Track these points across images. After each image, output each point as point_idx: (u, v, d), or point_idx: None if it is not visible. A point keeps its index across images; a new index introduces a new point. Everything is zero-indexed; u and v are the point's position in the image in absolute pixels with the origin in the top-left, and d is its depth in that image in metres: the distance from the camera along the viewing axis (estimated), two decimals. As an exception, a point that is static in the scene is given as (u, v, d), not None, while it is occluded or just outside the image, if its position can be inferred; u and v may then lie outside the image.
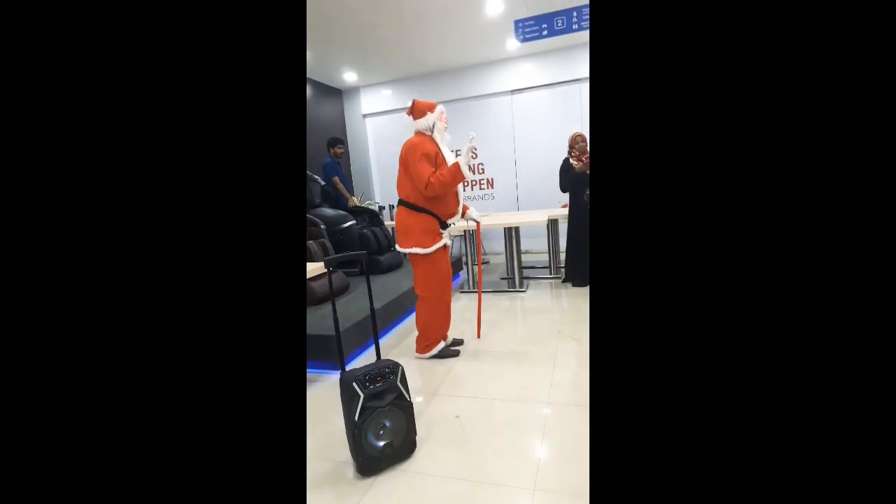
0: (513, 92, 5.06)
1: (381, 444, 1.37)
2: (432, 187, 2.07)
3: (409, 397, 1.45)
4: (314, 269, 2.22)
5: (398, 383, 1.42)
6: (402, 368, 1.46)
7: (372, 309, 1.57)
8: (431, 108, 2.16)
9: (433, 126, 2.16)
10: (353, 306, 2.58)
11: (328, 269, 1.49)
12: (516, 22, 3.54)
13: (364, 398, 1.34)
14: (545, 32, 3.53)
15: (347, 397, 1.36)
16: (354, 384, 1.34)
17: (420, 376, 2.13)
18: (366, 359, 2.40)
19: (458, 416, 1.71)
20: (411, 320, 3.03)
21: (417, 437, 1.50)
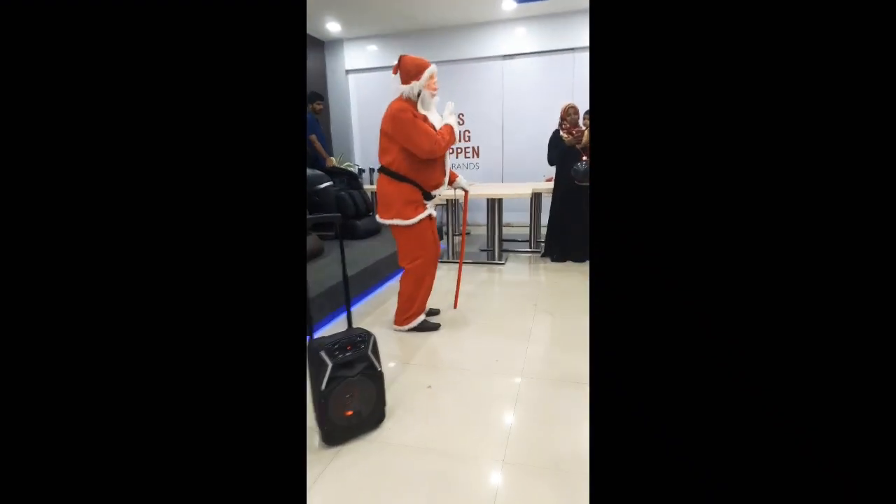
0: (504, 57, 4.86)
1: (349, 413, 1.33)
2: (438, 145, 1.95)
3: (380, 367, 1.40)
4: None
5: (369, 353, 1.36)
6: (374, 338, 1.40)
7: (345, 275, 1.49)
8: (420, 70, 1.94)
9: (418, 95, 1.97)
10: (325, 272, 2.48)
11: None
12: (513, -21, 3.34)
13: (332, 367, 1.28)
14: (543, -7, 3.35)
15: (315, 366, 1.30)
16: (322, 353, 1.28)
17: (395, 346, 2.09)
18: (337, 327, 2.34)
19: (430, 387, 1.68)
20: (388, 288, 2.97)
21: (387, 407, 1.47)
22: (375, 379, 1.38)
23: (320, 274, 2.43)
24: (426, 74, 1.95)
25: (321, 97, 4.14)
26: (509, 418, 1.47)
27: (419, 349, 2.03)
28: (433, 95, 2.01)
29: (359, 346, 1.34)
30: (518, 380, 1.72)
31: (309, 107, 4.06)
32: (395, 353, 2.00)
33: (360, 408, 1.35)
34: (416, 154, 1.97)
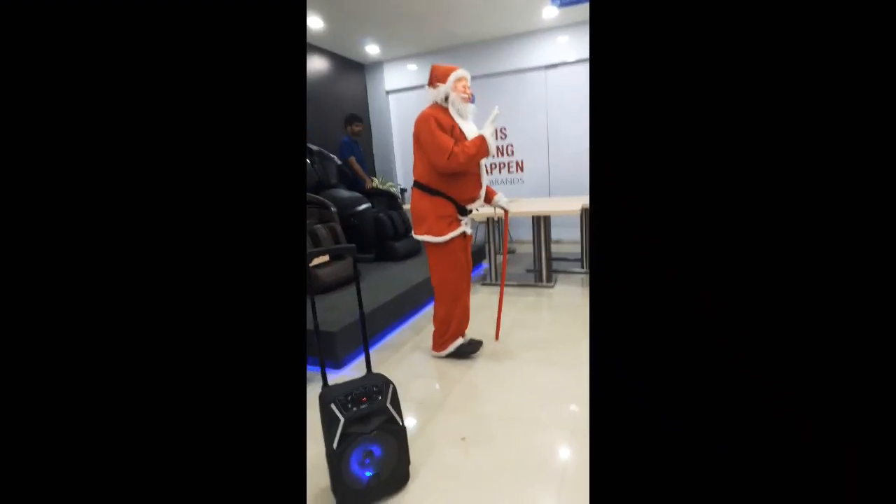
0: (547, 67, 4.63)
1: (366, 475, 1.14)
2: (455, 158, 1.76)
3: (402, 420, 1.21)
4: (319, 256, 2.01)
5: (388, 405, 1.17)
6: (394, 386, 1.21)
7: (361, 314, 1.32)
8: (447, 73, 1.83)
9: (446, 98, 1.84)
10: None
11: (309, 259, 1.25)
12: (554, -17, 3.15)
13: (345, 423, 1.10)
14: (587, -6, 3.12)
15: (327, 420, 1.13)
16: (333, 406, 1.11)
17: (430, 380, 1.89)
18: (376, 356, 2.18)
19: (464, 439, 1.46)
20: (427, 313, 2.80)
21: (411, 466, 1.26)
22: (396, 434, 1.19)
23: (355, 300, 2.31)
24: (452, 76, 1.83)
25: (360, 119, 4.13)
26: (557, 488, 1.22)
27: (455, 385, 1.82)
28: (465, 100, 1.86)
29: (375, 398, 1.16)
30: (569, 434, 1.45)
31: (347, 128, 4.06)
32: (428, 391, 1.80)
33: (378, 468, 1.16)
34: (435, 169, 1.82)
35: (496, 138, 2.10)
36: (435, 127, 1.79)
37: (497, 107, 1.89)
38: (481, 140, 1.81)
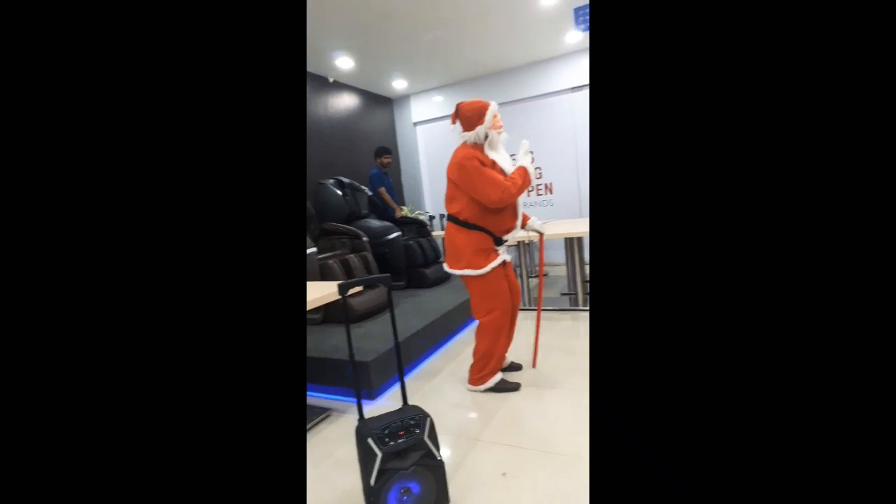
0: (573, 89, 4.65)
1: (405, 513, 1.10)
2: (508, 191, 1.78)
3: (439, 454, 1.17)
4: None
5: (425, 438, 1.14)
6: (431, 419, 1.18)
7: (397, 345, 1.31)
8: (482, 112, 1.81)
9: (486, 138, 1.84)
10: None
11: (342, 295, 1.26)
12: (576, 9, 3.19)
13: (382, 458, 1.08)
14: (609, 17, 3.14)
15: (363, 455, 1.11)
16: (371, 440, 1.09)
17: (466, 410, 1.84)
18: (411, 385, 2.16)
19: (504, 474, 1.39)
20: (461, 339, 2.76)
21: (451, 501, 1.21)
22: (434, 469, 1.15)
23: (388, 329, 2.31)
24: (489, 115, 1.81)
25: (389, 151, 4.26)
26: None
27: (494, 417, 1.76)
28: (500, 133, 1.87)
29: (412, 431, 1.13)
30: (617, 468, 1.36)
31: (377, 161, 4.19)
32: (465, 422, 1.75)
33: (417, 506, 1.12)
34: (486, 204, 1.81)
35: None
36: (480, 166, 1.80)
37: (526, 141, 1.90)
38: (524, 171, 1.84)
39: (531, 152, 1.91)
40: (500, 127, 1.87)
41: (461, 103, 1.89)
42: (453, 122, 1.91)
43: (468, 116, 1.84)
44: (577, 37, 4.04)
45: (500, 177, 1.80)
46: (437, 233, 4.13)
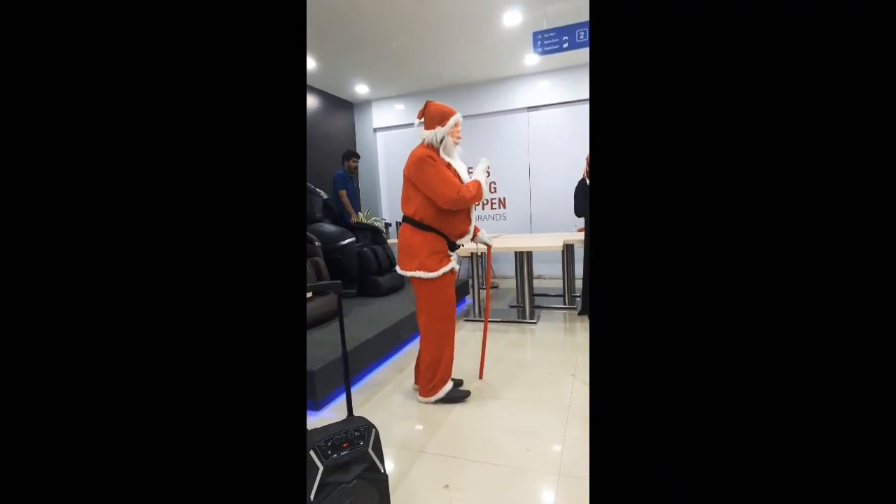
0: (529, 109, 4.84)
1: (344, 528, 1.08)
2: (462, 195, 1.84)
3: (383, 467, 1.16)
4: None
5: (370, 451, 1.13)
6: (376, 431, 1.18)
7: (345, 354, 1.29)
8: (446, 116, 1.87)
9: (441, 141, 1.88)
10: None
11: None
12: (535, 34, 3.34)
13: (323, 472, 1.06)
14: (566, 45, 3.31)
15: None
16: (312, 453, 1.07)
17: (412, 422, 1.84)
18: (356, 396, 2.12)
19: (447, 487, 1.40)
20: (410, 351, 2.75)
21: (393, 517, 1.21)
22: (377, 484, 1.14)
23: (336, 338, 2.26)
24: (451, 122, 1.88)
25: (357, 155, 4.22)
26: (545, 535, 1.17)
27: (439, 428, 1.77)
28: (456, 143, 1.92)
29: (356, 444, 1.12)
30: (554, 478, 1.42)
31: (344, 164, 4.14)
32: (411, 433, 1.74)
33: (358, 520, 1.10)
34: (438, 203, 1.84)
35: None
36: (441, 166, 1.85)
37: (486, 159, 1.98)
38: (478, 185, 1.91)
39: (489, 172, 1.98)
40: (459, 137, 1.93)
41: (431, 102, 1.94)
42: (419, 118, 1.94)
43: (433, 115, 1.89)
44: (535, 59, 4.23)
45: (455, 179, 1.85)
46: (394, 241, 4.11)
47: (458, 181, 1.86)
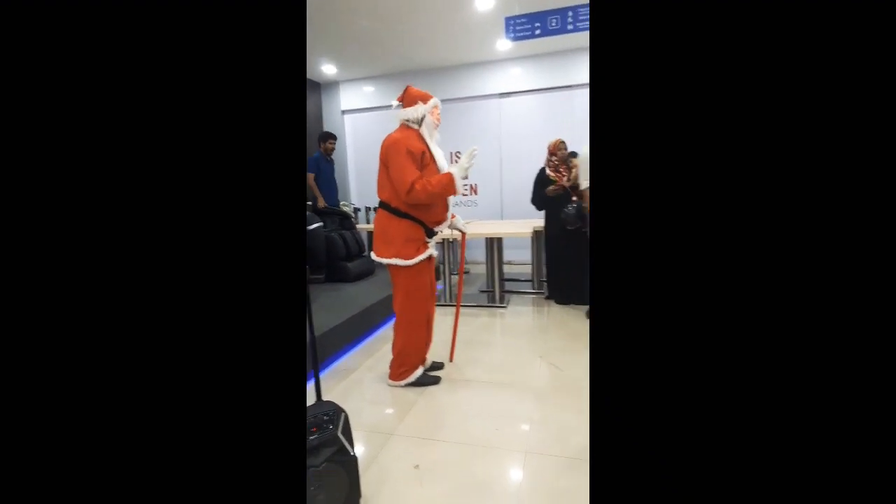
0: (501, 95, 4.83)
1: (313, 511, 1.08)
2: (415, 194, 1.75)
3: (353, 450, 1.16)
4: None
5: (339, 434, 1.12)
6: (346, 415, 1.17)
7: (312, 338, 1.27)
8: (425, 99, 1.86)
9: (422, 119, 1.84)
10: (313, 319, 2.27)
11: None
12: (507, 19, 3.31)
13: (291, 456, 1.04)
14: (538, 31, 3.31)
15: (270, 453, 1.06)
16: (279, 437, 1.05)
17: (383, 406, 1.84)
18: (326, 381, 2.09)
19: (417, 467, 1.42)
20: (382, 334, 2.74)
21: (362, 499, 1.21)
22: (347, 466, 1.13)
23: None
24: (431, 102, 1.87)
25: (334, 136, 4.08)
26: (512, 510, 1.21)
27: (410, 411, 1.78)
28: (436, 126, 1.90)
29: (325, 427, 1.11)
30: (522, 457, 1.46)
31: (321, 146, 4.00)
32: (381, 417, 1.74)
33: (327, 502, 1.10)
34: (396, 189, 1.80)
35: (450, 162, 2.11)
36: (405, 155, 1.76)
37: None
38: (448, 179, 1.78)
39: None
40: (438, 120, 1.90)
41: (411, 86, 1.93)
42: (398, 101, 1.91)
43: (413, 96, 1.87)
44: (507, 45, 4.21)
45: (414, 175, 1.76)
46: (363, 226, 4.05)
47: (413, 176, 1.75)
